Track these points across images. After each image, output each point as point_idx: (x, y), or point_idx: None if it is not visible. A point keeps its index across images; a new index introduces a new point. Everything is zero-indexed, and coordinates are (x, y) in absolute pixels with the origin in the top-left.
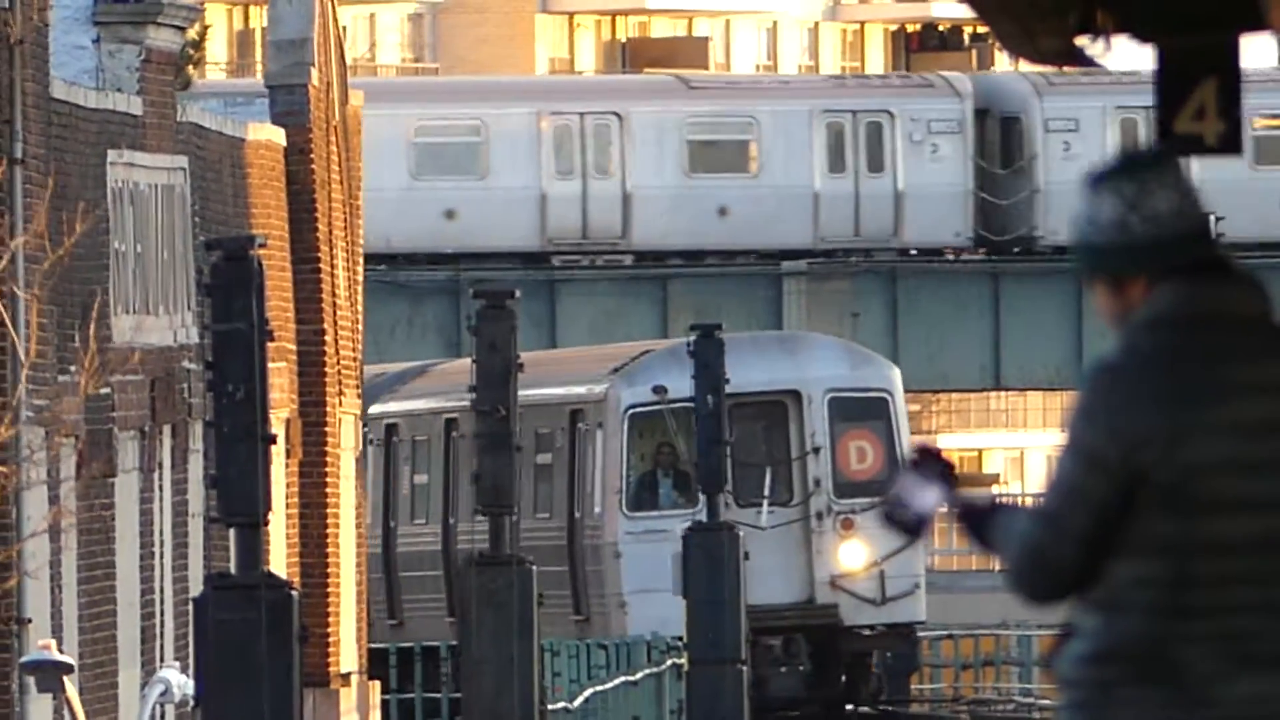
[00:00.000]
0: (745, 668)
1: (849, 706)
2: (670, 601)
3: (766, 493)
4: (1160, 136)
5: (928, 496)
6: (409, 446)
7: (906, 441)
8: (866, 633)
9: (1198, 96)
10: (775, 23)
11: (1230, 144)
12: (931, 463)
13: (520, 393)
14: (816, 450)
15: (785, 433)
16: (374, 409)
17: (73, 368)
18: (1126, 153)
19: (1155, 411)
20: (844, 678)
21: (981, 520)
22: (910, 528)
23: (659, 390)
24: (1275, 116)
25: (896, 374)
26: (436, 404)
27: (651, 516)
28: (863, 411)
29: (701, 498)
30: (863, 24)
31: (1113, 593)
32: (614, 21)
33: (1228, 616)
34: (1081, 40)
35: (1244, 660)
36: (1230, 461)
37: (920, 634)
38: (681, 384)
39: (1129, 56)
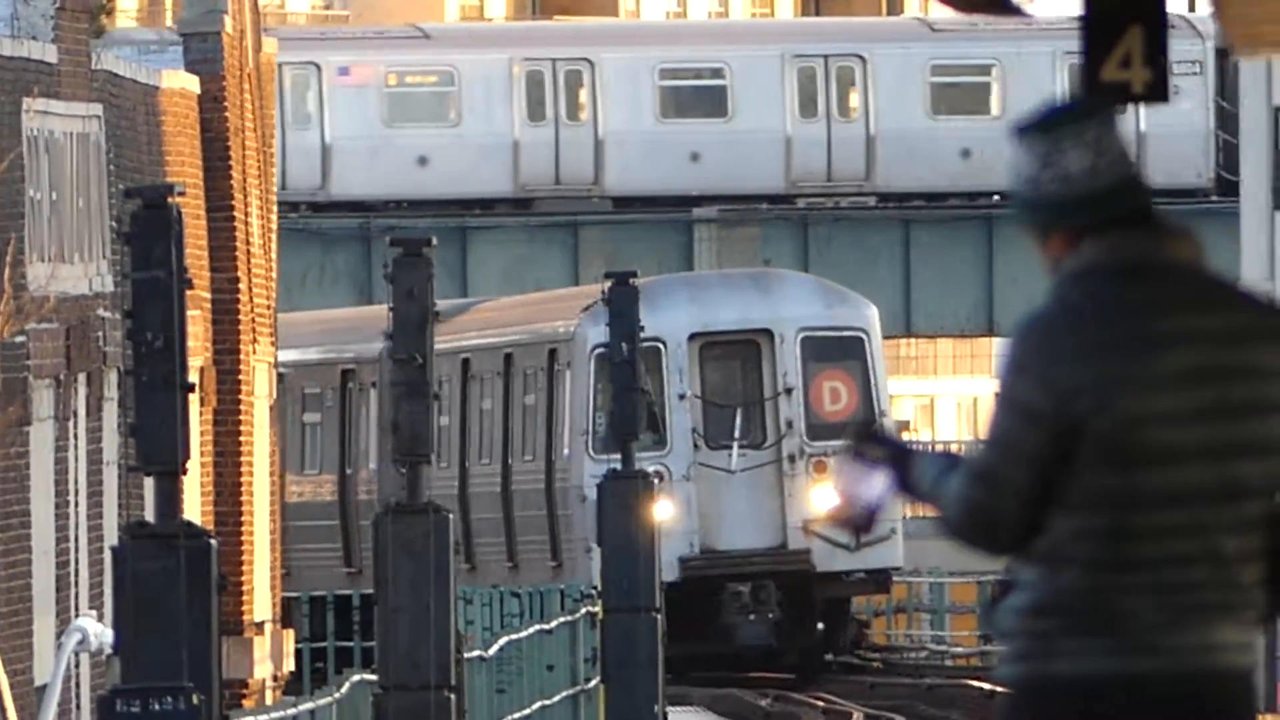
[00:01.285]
0: (660, 616)
1: (827, 656)
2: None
3: (737, 435)
4: (1086, 85)
5: (874, 485)
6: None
7: (883, 383)
8: (842, 579)
9: (1124, 44)
10: None
11: (1157, 92)
12: (872, 445)
13: (510, 330)
14: (789, 391)
15: (757, 373)
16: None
17: None
18: (1046, 107)
19: (1087, 363)
20: (820, 625)
21: (906, 475)
22: (863, 524)
23: None
24: None
25: (873, 312)
26: (453, 344)
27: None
28: (837, 351)
29: (686, 442)
30: None
31: (1053, 545)
32: None
33: (1169, 567)
34: None
35: (1187, 610)
36: (1165, 412)
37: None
38: (654, 322)
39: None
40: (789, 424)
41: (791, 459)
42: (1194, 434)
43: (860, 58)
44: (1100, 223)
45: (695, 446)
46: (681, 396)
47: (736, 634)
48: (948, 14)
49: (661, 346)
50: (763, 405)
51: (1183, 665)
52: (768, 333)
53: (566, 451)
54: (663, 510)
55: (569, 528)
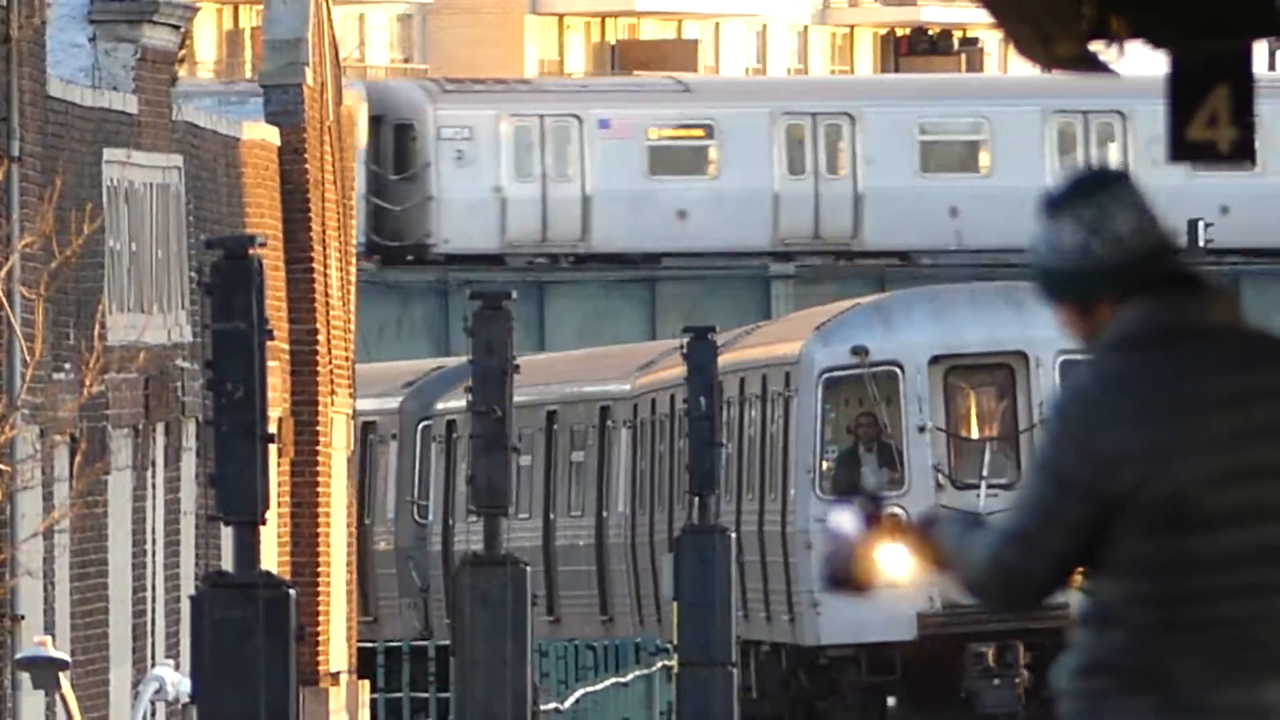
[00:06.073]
0: (735, 670)
1: None
2: (873, 604)
3: (985, 473)
4: (1173, 144)
5: (845, 524)
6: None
7: None
8: None
9: (1210, 104)
10: (765, 26)
11: (1244, 151)
12: (859, 501)
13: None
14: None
15: (1010, 402)
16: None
17: (67, 365)
18: (1082, 175)
19: (1128, 433)
20: None
21: (928, 537)
22: (839, 574)
23: (859, 351)
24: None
25: None
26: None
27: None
28: None
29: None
30: (852, 28)
31: (1104, 609)
32: (604, 23)
33: (1222, 629)
34: (1095, 45)
35: (1239, 669)
36: (1213, 476)
37: None
38: (890, 343)
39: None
40: None
41: None
42: (1242, 496)
43: None
44: (1147, 284)
45: (937, 486)
46: (921, 429)
47: (979, 700)
48: None
49: (899, 371)
50: (1016, 439)
51: None
52: (1022, 355)
53: (792, 491)
54: (899, 559)
55: (796, 578)
